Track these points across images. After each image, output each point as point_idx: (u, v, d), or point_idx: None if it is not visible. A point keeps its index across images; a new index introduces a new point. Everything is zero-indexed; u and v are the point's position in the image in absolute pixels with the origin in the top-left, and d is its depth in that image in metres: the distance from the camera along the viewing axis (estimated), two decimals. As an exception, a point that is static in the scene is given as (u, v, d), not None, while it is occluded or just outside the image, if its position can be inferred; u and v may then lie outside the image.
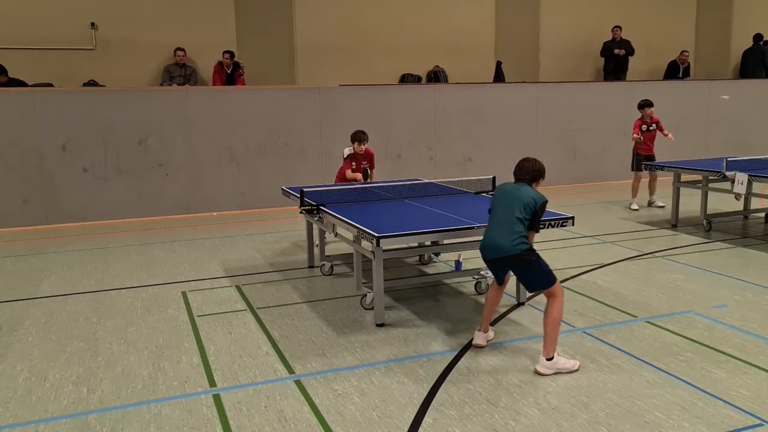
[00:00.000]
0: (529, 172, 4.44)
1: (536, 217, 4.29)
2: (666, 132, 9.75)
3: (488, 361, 4.38)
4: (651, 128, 9.76)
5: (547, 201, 4.32)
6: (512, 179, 4.50)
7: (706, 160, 9.26)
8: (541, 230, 4.46)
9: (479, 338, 4.65)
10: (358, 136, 7.43)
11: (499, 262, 4.40)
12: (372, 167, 7.67)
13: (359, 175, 7.53)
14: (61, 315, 5.55)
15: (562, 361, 4.20)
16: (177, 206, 10.13)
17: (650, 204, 10.04)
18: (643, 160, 9.55)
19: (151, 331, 5.11)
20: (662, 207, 9.85)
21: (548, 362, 4.17)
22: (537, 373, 4.16)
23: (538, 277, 4.33)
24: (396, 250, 5.30)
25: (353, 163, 7.52)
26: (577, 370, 4.20)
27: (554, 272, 4.34)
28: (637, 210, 9.73)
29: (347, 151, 7.57)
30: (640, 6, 14.52)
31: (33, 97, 9.42)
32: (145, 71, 11.23)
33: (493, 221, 4.43)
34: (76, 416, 3.76)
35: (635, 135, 9.68)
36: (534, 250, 4.28)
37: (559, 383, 4.03)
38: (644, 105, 9.74)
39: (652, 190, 10.00)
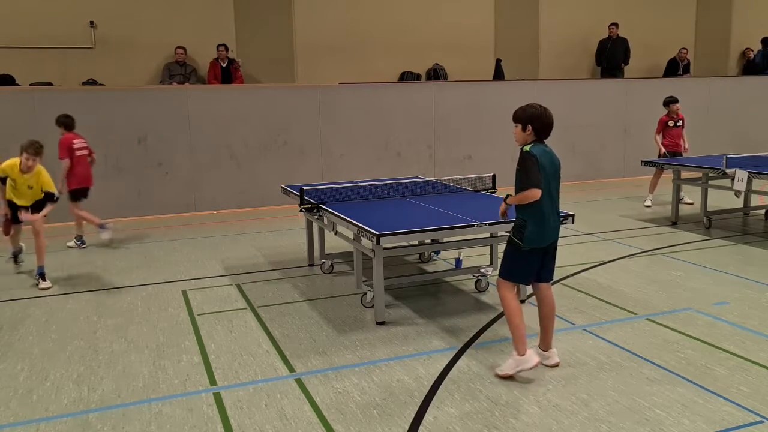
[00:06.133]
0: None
1: None
2: (684, 138, 9.69)
3: (488, 359, 4.38)
4: (678, 124, 9.65)
5: None
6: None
7: (706, 157, 9.25)
8: None
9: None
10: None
11: (550, 246, 4.13)
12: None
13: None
14: (61, 314, 5.55)
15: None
16: (177, 205, 10.13)
17: (679, 200, 9.91)
18: (669, 157, 9.47)
19: (151, 330, 5.11)
20: (691, 204, 9.66)
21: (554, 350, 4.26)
22: (557, 365, 4.19)
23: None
24: (396, 248, 5.30)
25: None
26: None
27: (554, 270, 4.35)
28: (649, 207, 9.57)
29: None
30: (639, 3, 14.49)
31: (32, 97, 9.41)
32: (144, 70, 11.23)
33: (552, 200, 4.05)
34: (77, 415, 3.77)
35: (658, 136, 9.64)
36: None
37: (560, 381, 4.04)
38: (670, 102, 9.61)
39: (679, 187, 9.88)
